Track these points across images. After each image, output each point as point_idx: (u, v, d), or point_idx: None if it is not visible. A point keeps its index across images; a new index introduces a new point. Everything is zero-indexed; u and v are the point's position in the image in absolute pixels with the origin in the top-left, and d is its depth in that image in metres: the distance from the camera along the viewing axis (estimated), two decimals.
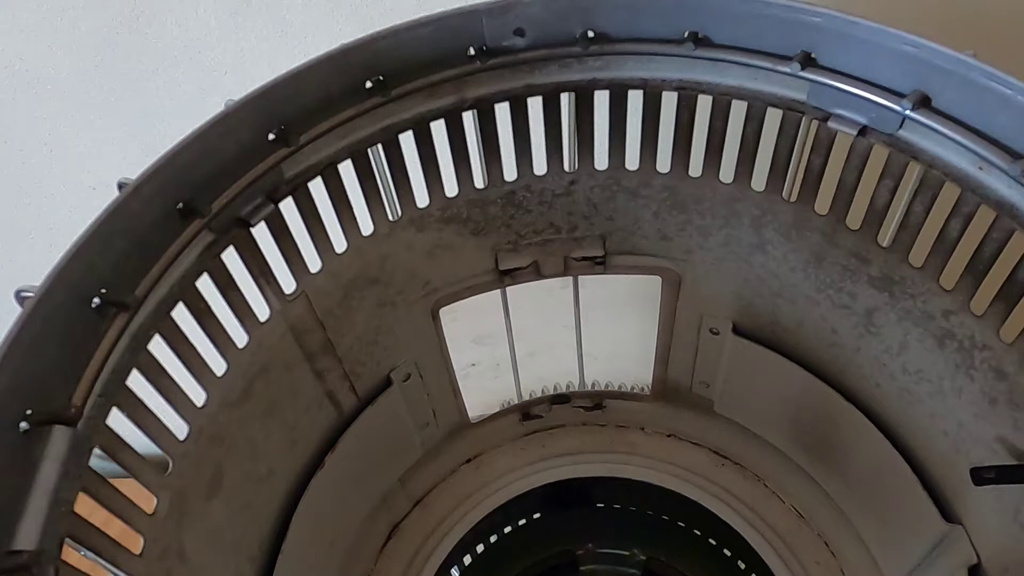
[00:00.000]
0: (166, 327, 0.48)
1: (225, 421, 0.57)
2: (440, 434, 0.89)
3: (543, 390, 0.94)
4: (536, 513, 1.08)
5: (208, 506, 0.56)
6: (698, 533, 1.01)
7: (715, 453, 0.95)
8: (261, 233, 0.54)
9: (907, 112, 0.48)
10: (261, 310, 0.58)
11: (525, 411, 0.94)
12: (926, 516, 0.64)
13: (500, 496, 0.92)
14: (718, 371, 0.81)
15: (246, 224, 0.51)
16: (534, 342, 0.88)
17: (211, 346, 0.54)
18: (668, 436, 0.97)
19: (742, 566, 0.98)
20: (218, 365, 0.55)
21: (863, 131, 0.51)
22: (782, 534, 0.87)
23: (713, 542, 0.99)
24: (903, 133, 0.50)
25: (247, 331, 0.57)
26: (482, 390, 0.91)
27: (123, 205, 0.42)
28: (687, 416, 0.93)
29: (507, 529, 1.07)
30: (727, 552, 0.99)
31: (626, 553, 1.02)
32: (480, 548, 1.07)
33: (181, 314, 0.50)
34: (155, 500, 0.50)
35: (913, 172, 0.51)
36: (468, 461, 0.96)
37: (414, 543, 0.91)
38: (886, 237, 0.57)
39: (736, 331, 0.75)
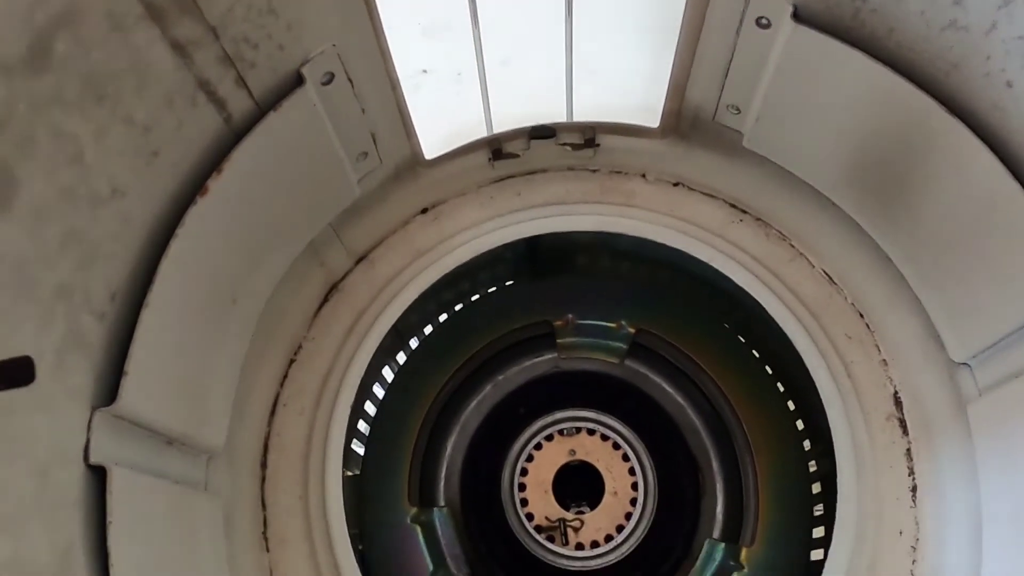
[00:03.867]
0: None
1: (5, 96, 0.35)
2: (385, 172, 0.69)
3: (520, 120, 0.72)
4: (508, 280, 0.91)
5: None
6: (700, 302, 0.85)
7: (732, 207, 0.76)
8: None
9: None
10: None
11: (496, 148, 0.73)
12: None
13: (461, 254, 0.74)
14: (758, 86, 0.59)
15: None
16: (509, 42, 0.64)
17: None
18: (675, 185, 0.77)
19: (742, 340, 0.84)
20: None
21: None
22: (807, 301, 0.71)
23: (714, 308, 0.84)
24: None
25: None
26: (439, 112, 0.69)
27: None
28: (702, 158, 0.72)
29: (474, 297, 0.91)
30: (726, 320, 0.84)
31: (612, 325, 0.87)
32: (443, 318, 0.91)
33: None
34: None
35: None
36: (424, 212, 0.77)
37: (356, 306, 0.74)
38: None
39: (797, 18, 0.53)
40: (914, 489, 0.64)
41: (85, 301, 0.43)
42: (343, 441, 0.67)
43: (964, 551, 0.61)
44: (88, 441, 0.42)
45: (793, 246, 0.73)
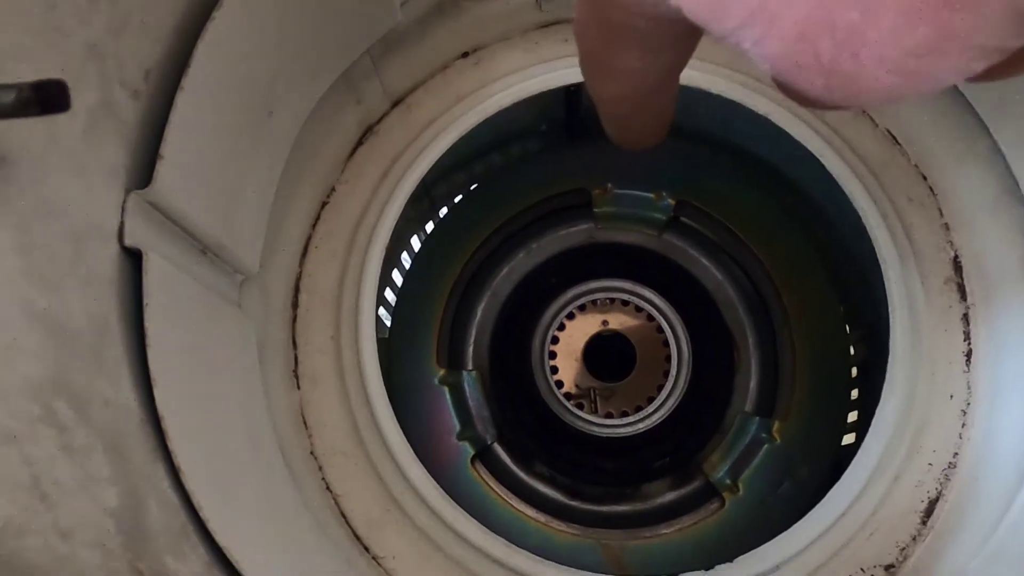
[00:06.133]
0: None
1: None
2: (428, 0, 0.64)
3: None
4: (544, 146, 0.87)
5: None
6: (744, 177, 0.81)
7: None
8: None
9: None
10: None
11: None
12: None
13: (502, 99, 0.70)
14: None
15: None
16: None
17: None
18: None
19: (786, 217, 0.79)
20: None
21: None
22: (869, 161, 0.67)
23: (758, 183, 0.80)
24: None
25: None
26: None
27: None
28: None
29: (508, 164, 0.88)
30: (771, 197, 0.79)
31: (651, 196, 0.83)
32: (474, 187, 0.88)
33: None
34: None
35: None
36: (464, 56, 0.72)
37: (391, 151, 0.70)
38: None
39: None
40: (968, 354, 0.62)
41: (118, 70, 0.40)
42: (376, 283, 0.64)
43: (1019, 416, 0.59)
44: (123, 224, 0.40)
45: None
